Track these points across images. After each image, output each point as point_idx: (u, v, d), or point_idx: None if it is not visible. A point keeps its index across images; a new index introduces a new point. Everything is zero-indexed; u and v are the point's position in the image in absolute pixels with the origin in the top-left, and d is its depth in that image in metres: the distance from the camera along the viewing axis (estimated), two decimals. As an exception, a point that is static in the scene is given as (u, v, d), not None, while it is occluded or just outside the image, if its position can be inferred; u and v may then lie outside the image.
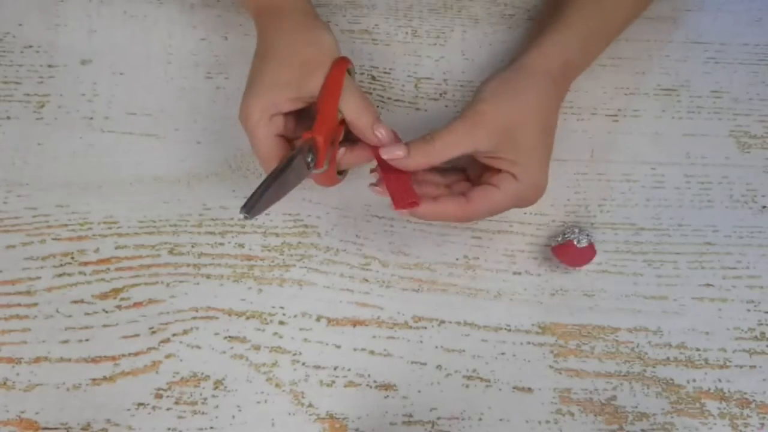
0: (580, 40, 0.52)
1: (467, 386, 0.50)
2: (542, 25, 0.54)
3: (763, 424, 0.49)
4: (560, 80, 0.51)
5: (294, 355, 0.50)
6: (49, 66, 0.58)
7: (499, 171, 0.48)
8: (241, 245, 0.53)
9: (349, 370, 0.50)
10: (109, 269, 0.52)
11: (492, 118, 0.47)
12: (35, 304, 0.51)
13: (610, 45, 0.56)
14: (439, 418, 0.49)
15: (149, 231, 0.53)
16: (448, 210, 0.47)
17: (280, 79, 0.47)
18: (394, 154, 0.47)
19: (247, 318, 0.51)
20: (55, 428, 0.48)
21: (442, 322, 0.52)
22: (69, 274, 0.52)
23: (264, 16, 0.51)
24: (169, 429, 0.48)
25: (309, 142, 0.46)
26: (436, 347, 0.51)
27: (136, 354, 0.50)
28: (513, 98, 0.48)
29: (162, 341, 0.50)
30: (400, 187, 0.47)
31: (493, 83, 0.49)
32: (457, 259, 0.53)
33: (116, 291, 0.51)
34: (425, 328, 0.51)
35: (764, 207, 0.56)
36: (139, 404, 0.48)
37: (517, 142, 0.47)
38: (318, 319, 0.51)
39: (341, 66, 0.47)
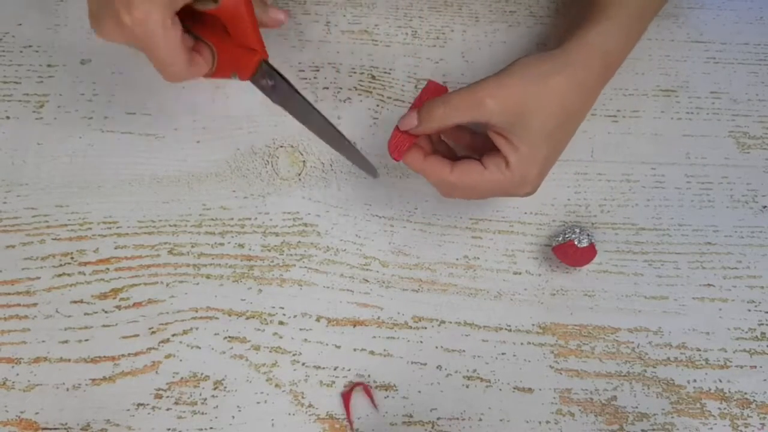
0: (621, 29, 0.48)
1: (467, 386, 0.50)
2: (579, 13, 0.51)
3: (763, 425, 0.49)
4: (601, 72, 0.48)
5: (294, 355, 0.50)
6: (49, 66, 0.58)
7: (497, 152, 0.45)
8: (241, 245, 0.53)
9: (349, 370, 0.50)
10: (108, 269, 0.52)
11: (513, 93, 0.44)
12: (35, 304, 0.51)
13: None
14: (439, 419, 0.49)
15: (149, 231, 0.53)
16: (429, 170, 0.46)
17: None
18: (411, 123, 0.46)
19: (247, 318, 0.51)
20: (55, 428, 0.48)
21: (442, 322, 0.51)
22: (68, 274, 0.52)
23: None
24: (168, 429, 0.48)
25: (264, 66, 0.45)
26: (436, 347, 0.51)
27: (136, 354, 0.50)
28: (542, 81, 0.45)
29: (162, 341, 0.50)
30: (403, 138, 0.47)
31: (527, 60, 0.46)
32: (457, 259, 0.53)
33: (116, 291, 0.51)
34: (425, 328, 0.51)
35: (764, 207, 0.56)
36: (139, 404, 0.48)
37: (530, 127, 0.44)
38: (318, 319, 0.51)
39: None
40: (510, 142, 0.45)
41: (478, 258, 0.53)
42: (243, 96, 0.57)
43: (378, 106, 0.57)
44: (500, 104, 0.44)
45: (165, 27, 0.40)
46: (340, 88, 0.57)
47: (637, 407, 0.49)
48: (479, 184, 0.46)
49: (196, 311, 0.51)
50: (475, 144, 0.50)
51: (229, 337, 0.50)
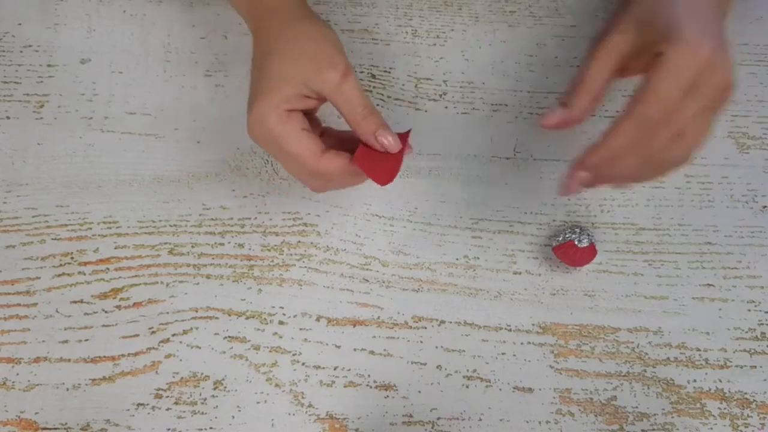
0: None
1: (467, 386, 0.50)
2: None
3: (763, 425, 0.49)
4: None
5: (294, 355, 0.50)
6: (49, 65, 0.58)
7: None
8: (241, 245, 0.53)
9: (349, 370, 0.50)
10: (108, 269, 0.52)
11: (621, 18, 0.43)
12: (35, 304, 0.51)
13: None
14: (439, 419, 0.49)
15: (149, 231, 0.53)
16: (621, 138, 0.42)
17: (286, 73, 0.44)
18: (557, 117, 0.44)
19: (247, 318, 0.51)
20: (55, 428, 0.48)
21: (442, 322, 0.51)
22: (68, 274, 0.52)
23: (259, 14, 0.49)
24: (168, 429, 0.48)
25: None
26: (436, 347, 0.51)
27: (136, 354, 0.50)
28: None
29: (162, 341, 0.50)
30: (375, 162, 0.45)
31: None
32: (457, 259, 0.53)
33: (116, 291, 0.51)
34: (425, 328, 0.51)
35: (764, 207, 0.56)
36: (139, 404, 0.48)
37: (653, 14, 0.42)
38: (318, 319, 0.51)
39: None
40: (659, 28, 0.41)
41: (478, 258, 0.53)
42: (243, 96, 0.57)
43: (378, 105, 0.57)
44: (632, 19, 0.43)
45: (281, 123, 0.44)
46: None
47: (637, 407, 0.49)
48: (663, 80, 0.40)
49: (196, 311, 0.51)
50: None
51: (229, 337, 0.50)
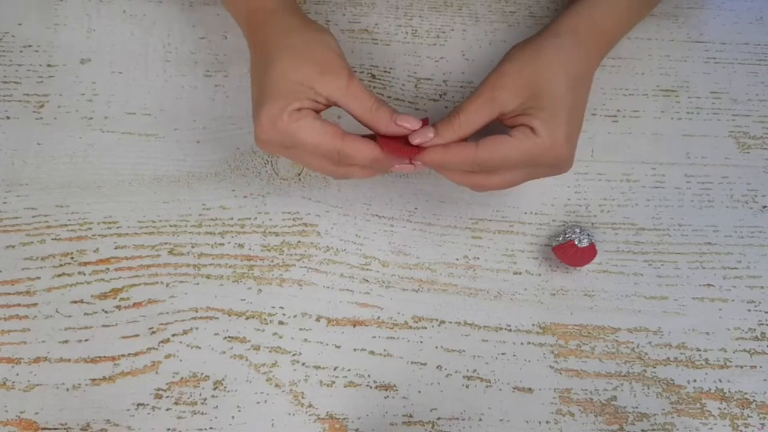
0: (608, 4, 0.50)
1: (467, 386, 0.50)
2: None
3: (763, 425, 0.49)
4: (590, 41, 0.49)
5: (294, 355, 0.50)
6: (49, 66, 0.58)
7: (521, 125, 0.45)
8: (241, 245, 0.53)
9: (349, 370, 0.50)
10: (108, 269, 0.52)
11: (514, 78, 0.45)
12: (35, 304, 0.51)
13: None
14: (439, 419, 0.49)
15: (149, 231, 0.53)
16: (453, 154, 0.45)
17: (292, 78, 0.45)
18: (426, 137, 0.45)
19: (247, 318, 0.51)
20: (55, 428, 0.48)
21: (442, 322, 0.51)
22: (68, 274, 0.52)
23: (256, 23, 0.49)
24: (168, 429, 0.48)
25: None
26: (436, 347, 0.51)
27: (136, 354, 0.50)
28: (536, 57, 0.46)
29: (162, 341, 0.50)
30: (399, 145, 0.46)
31: (517, 47, 0.48)
32: (457, 259, 0.53)
33: (116, 291, 0.51)
34: (425, 328, 0.51)
35: (764, 207, 0.56)
36: (139, 404, 0.48)
37: (542, 94, 0.45)
38: (318, 319, 0.51)
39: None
40: (529, 114, 0.45)
41: (478, 258, 0.53)
42: (243, 96, 0.57)
43: (378, 105, 0.57)
44: (509, 91, 0.45)
45: (293, 120, 0.44)
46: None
47: (637, 407, 0.49)
48: (509, 155, 0.45)
49: (196, 311, 0.51)
50: None
51: (229, 337, 0.50)
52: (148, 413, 0.48)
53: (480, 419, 0.49)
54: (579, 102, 0.47)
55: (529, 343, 0.51)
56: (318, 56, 0.46)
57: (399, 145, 0.45)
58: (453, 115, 0.46)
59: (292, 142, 0.44)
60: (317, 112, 0.46)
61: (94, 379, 0.49)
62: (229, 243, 0.53)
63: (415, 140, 0.45)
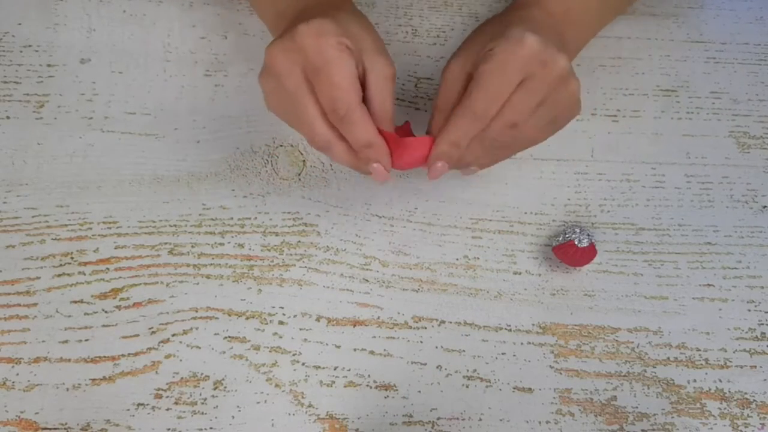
0: None
1: (467, 386, 0.50)
2: None
3: (763, 425, 0.49)
4: (559, 20, 0.48)
5: (294, 355, 0.50)
6: (49, 65, 0.58)
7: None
8: (241, 245, 0.53)
9: (349, 370, 0.50)
10: (108, 269, 0.52)
11: (473, 36, 0.47)
12: (35, 304, 0.51)
13: (611, 44, 0.56)
14: (439, 419, 0.49)
15: (149, 231, 0.53)
16: (455, 120, 0.43)
17: (350, 28, 0.42)
18: (442, 171, 0.46)
19: (247, 318, 0.51)
20: (55, 428, 0.48)
21: (442, 322, 0.51)
22: (69, 274, 0.52)
23: (303, 6, 0.47)
24: (168, 429, 0.48)
25: None
26: (436, 347, 0.51)
27: (136, 354, 0.50)
28: (498, 22, 0.47)
29: (162, 341, 0.50)
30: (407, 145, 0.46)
31: (479, 26, 0.49)
32: (457, 259, 0.53)
33: (116, 291, 0.51)
34: (425, 328, 0.51)
35: (764, 207, 0.56)
36: (139, 404, 0.48)
37: (503, 29, 0.43)
38: (318, 319, 0.51)
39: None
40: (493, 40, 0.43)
41: (478, 258, 0.53)
42: (243, 96, 0.57)
43: (378, 105, 0.57)
44: (469, 42, 0.47)
45: (341, 50, 0.40)
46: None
47: (637, 407, 0.49)
48: (500, 70, 0.41)
49: (196, 311, 0.51)
50: None
51: (229, 337, 0.50)
52: (148, 413, 0.48)
53: (480, 419, 0.49)
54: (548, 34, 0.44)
55: (529, 343, 0.51)
56: (378, 38, 0.45)
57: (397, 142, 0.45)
58: (433, 106, 0.47)
59: (318, 66, 0.40)
60: None
61: (94, 379, 0.49)
62: (229, 243, 0.53)
63: (433, 177, 0.46)
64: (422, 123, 0.57)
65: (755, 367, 0.51)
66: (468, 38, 0.49)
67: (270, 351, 0.50)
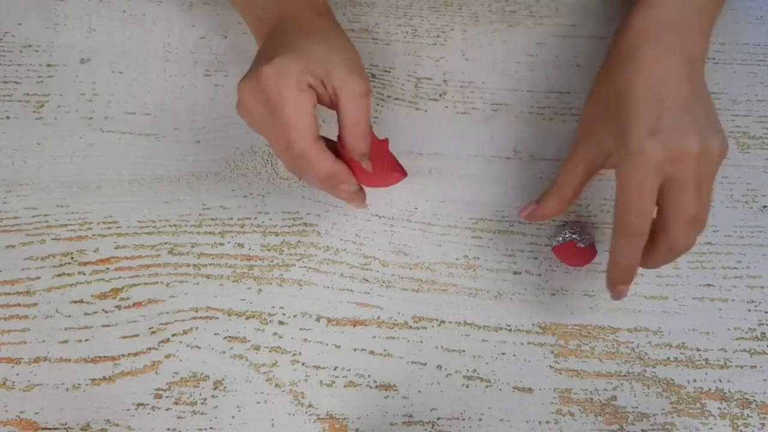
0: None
1: (467, 386, 0.50)
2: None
3: (763, 425, 0.49)
4: (664, 34, 0.45)
5: (294, 355, 0.50)
6: (49, 65, 0.58)
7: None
8: (241, 245, 0.53)
9: (349, 370, 0.50)
10: (108, 269, 0.52)
11: (589, 119, 0.46)
12: (35, 304, 0.51)
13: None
14: (439, 419, 0.49)
15: (149, 231, 0.53)
16: (620, 242, 0.44)
17: (316, 54, 0.43)
18: (530, 209, 0.49)
19: (247, 318, 0.51)
20: (55, 428, 0.48)
21: (442, 322, 0.51)
22: (69, 274, 0.52)
23: (280, 18, 0.48)
24: (168, 429, 0.48)
25: None
26: (436, 347, 0.51)
27: (136, 354, 0.50)
28: (606, 77, 0.45)
29: (162, 341, 0.50)
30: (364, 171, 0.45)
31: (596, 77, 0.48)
32: (457, 259, 0.53)
33: (116, 291, 0.51)
34: (425, 328, 0.51)
35: (764, 207, 0.56)
36: (139, 404, 0.48)
37: (615, 120, 0.43)
38: (318, 319, 0.51)
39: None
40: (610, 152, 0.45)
41: (478, 258, 0.53)
42: (243, 96, 0.57)
43: (378, 105, 0.57)
44: (588, 129, 0.47)
45: (299, 89, 0.42)
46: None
47: (637, 407, 0.49)
48: (631, 187, 0.42)
49: (196, 311, 0.51)
50: None
51: (229, 337, 0.50)
52: (148, 413, 0.48)
53: (480, 419, 0.49)
54: (675, 93, 0.43)
55: (529, 343, 0.51)
56: (350, 56, 0.45)
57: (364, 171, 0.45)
58: (553, 182, 0.48)
59: (275, 105, 0.42)
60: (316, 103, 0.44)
61: (94, 379, 0.49)
62: (229, 243, 0.53)
63: (523, 213, 0.49)
64: (421, 123, 0.57)
65: (755, 367, 0.51)
66: (585, 111, 0.48)
67: (270, 351, 0.50)
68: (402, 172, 0.47)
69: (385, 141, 0.47)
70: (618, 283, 0.46)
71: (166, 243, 0.53)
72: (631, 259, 0.44)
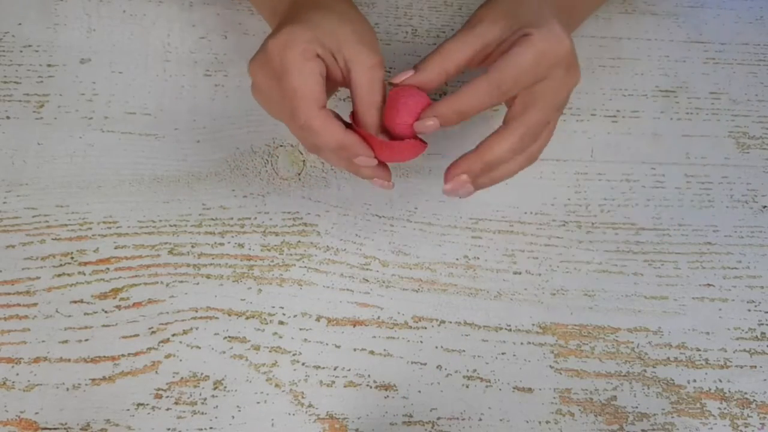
0: None
1: (467, 386, 0.50)
2: None
3: (763, 425, 0.49)
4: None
5: (294, 355, 0.50)
6: (49, 65, 0.58)
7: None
8: (241, 245, 0.53)
9: (349, 370, 0.50)
10: (108, 269, 0.52)
11: (490, 10, 0.43)
12: (35, 304, 0.51)
13: (611, 45, 0.56)
14: (439, 419, 0.49)
15: (149, 231, 0.53)
16: (466, 94, 0.41)
17: (328, 26, 0.42)
18: (405, 75, 0.43)
19: (247, 318, 0.51)
20: (55, 428, 0.48)
21: (442, 322, 0.51)
22: (68, 274, 0.52)
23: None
24: (168, 429, 0.48)
25: None
26: (436, 347, 0.51)
27: (136, 354, 0.50)
28: None
29: (162, 341, 0.50)
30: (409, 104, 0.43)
31: None
32: (457, 259, 0.53)
33: (116, 291, 0.51)
34: (425, 328, 0.51)
35: (764, 207, 0.56)
36: (139, 404, 0.48)
37: (522, 11, 0.43)
38: (318, 319, 0.51)
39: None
40: (518, 30, 0.42)
41: (478, 258, 0.53)
42: (243, 96, 0.57)
43: (378, 105, 0.57)
44: (487, 20, 0.43)
45: (304, 57, 0.41)
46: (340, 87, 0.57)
47: (637, 407, 0.49)
48: (521, 62, 0.41)
49: (196, 311, 0.51)
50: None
51: (229, 337, 0.50)
52: (148, 413, 0.48)
53: (480, 419, 0.49)
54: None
55: (529, 343, 0.51)
56: (362, 29, 0.44)
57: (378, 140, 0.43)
58: (435, 50, 0.43)
59: (280, 77, 0.41)
60: (325, 74, 0.43)
61: (94, 379, 0.49)
62: (229, 243, 0.53)
63: (396, 80, 0.43)
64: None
65: (755, 367, 0.51)
66: (490, 5, 0.45)
67: (270, 351, 0.50)
68: (421, 142, 0.44)
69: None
70: (439, 118, 0.42)
71: (166, 243, 0.53)
72: (472, 109, 0.42)
